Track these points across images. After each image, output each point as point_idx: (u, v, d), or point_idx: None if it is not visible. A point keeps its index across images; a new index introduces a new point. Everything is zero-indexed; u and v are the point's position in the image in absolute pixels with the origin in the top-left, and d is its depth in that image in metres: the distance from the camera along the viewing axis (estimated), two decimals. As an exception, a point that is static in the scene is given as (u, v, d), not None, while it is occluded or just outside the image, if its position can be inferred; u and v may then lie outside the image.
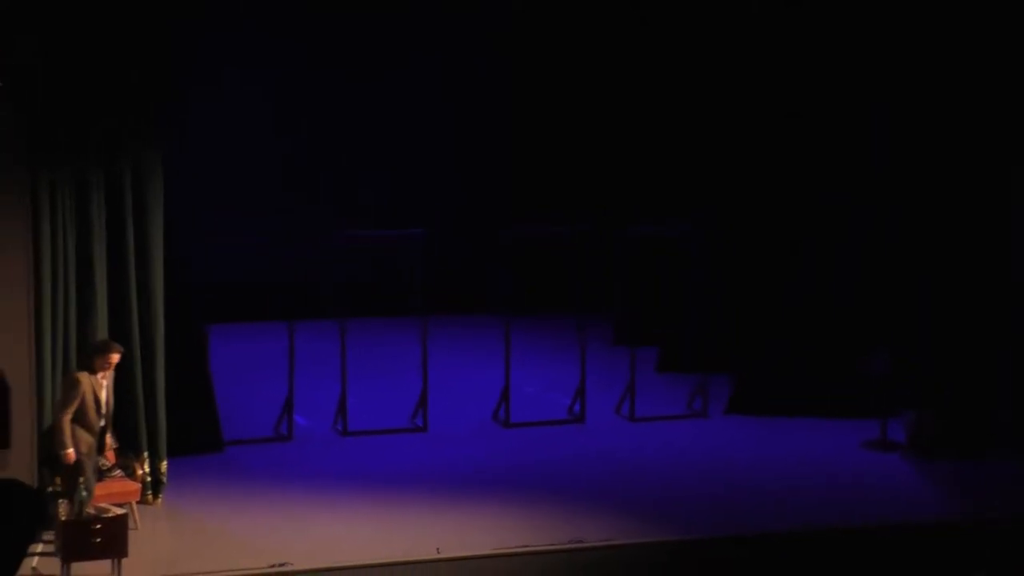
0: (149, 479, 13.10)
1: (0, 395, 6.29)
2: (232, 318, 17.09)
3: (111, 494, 12.28)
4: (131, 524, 12.02)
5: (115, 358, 12.33)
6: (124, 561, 11.65)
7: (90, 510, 11.69)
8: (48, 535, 12.13)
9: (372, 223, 17.17)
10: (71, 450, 12.04)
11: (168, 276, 13.32)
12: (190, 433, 14.13)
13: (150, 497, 13.11)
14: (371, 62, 19.09)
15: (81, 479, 11.79)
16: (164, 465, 13.27)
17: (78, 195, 12.78)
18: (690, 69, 17.31)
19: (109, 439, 12.55)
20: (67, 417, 12.10)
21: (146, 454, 13.06)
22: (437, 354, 16.13)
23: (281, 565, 11.83)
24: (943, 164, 15.87)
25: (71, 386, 12.19)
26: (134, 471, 12.81)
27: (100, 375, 12.29)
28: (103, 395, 12.30)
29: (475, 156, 19.89)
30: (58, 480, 12.33)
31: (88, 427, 12.20)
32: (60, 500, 12.08)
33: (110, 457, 12.62)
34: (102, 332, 12.93)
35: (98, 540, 11.52)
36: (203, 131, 17.63)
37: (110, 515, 11.72)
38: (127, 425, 12.99)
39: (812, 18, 15.99)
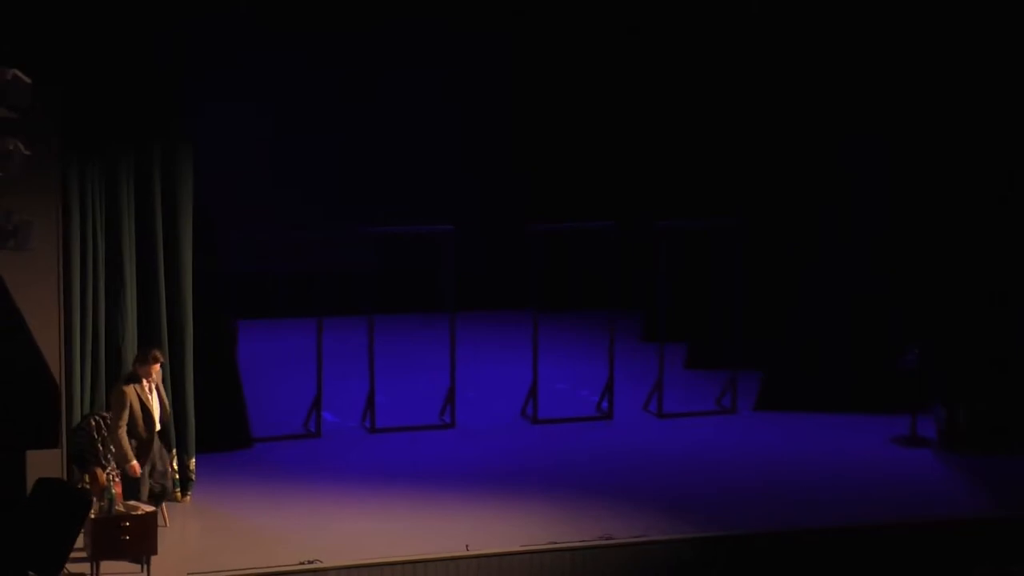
0: (178, 476, 13.10)
1: (50, 394, 6.30)
2: (260, 314, 17.09)
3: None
4: (160, 522, 12.06)
5: (156, 368, 12.32)
6: (153, 559, 11.68)
7: (120, 508, 11.71)
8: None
9: (402, 218, 17.12)
10: (135, 463, 12.12)
11: (197, 270, 13.33)
12: (219, 430, 14.12)
13: (179, 494, 13.12)
14: (404, 54, 19.02)
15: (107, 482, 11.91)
16: (193, 462, 13.29)
17: (107, 190, 12.80)
18: (727, 63, 17.17)
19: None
20: (122, 431, 12.13)
21: (175, 451, 13.08)
22: (465, 350, 16.08)
23: (311, 562, 11.83)
24: (972, 155, 15.74)
25: (118, 400, 12.22)
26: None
27: (146, 384, 12.29)
28: (153, 403, 12.30)
29: (505, 150, 19.81)
30: (86, 478, 12.37)
31: (137, 436, 12.21)
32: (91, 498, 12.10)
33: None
34: (131, 328, 12.94)
35: (127, 538, 11.55)
36: (234, 123, 17.64)
37: (139, 513, 11.73)
38: (156, 421, 13.02)
39: (846, 14, 15.90)
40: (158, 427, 12.35)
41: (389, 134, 19.36)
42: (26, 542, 5.14)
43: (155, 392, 12.37)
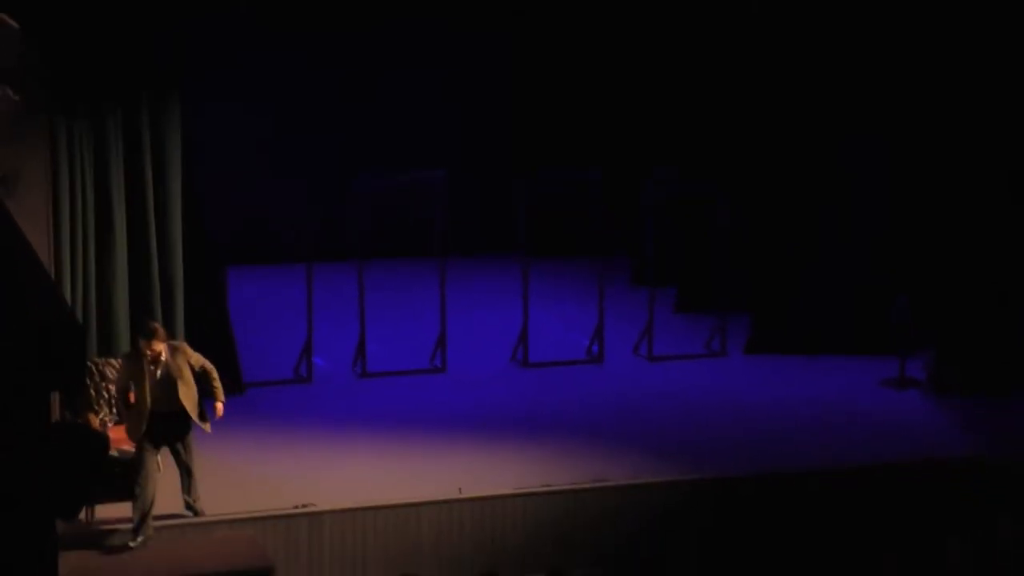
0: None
1: (76, 335, 6.27)
2: (251, 260, 17.07)
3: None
4: (154, 466, 12.07)
5: (154, 345, 11.43)
6: (148, 502, 11.73)
7: (113, 453, 11.72)
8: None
9: (394, 163, 17.08)
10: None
11: (187, 217, 13.31)
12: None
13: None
14: (397, 5, 18.92)
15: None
16: (185, 408, 13.29)
17: (96, 138, 12.80)
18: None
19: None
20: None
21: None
22: (456, 295, 16.10)
23: (304, 506, 11.90)
24: (961, 105, 15.76)
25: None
26: None
27: (150, 359, 11.50)
28: (156, 378, 11.48)
29: (499, 96, 19.75)
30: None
31: (140, 413, 11.54)
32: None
33: (132, 399, 12.60)
34: (121, 276, 12.93)
35: (121, 481, 11.53)
36: (222, 69, 17.56)
37: (132, 457, 11.73)
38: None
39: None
40: (148, 405, 11.49)
41: (383, 80, 19.28)
42: (49, 485, 5.22)
43: (160, 372, 11.55)
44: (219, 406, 11.83)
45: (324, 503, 11.96)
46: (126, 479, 11.51)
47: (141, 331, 11.67)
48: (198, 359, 11.77)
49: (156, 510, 11.60)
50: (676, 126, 18.01)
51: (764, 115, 16.63)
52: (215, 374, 11.83)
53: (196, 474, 11.83)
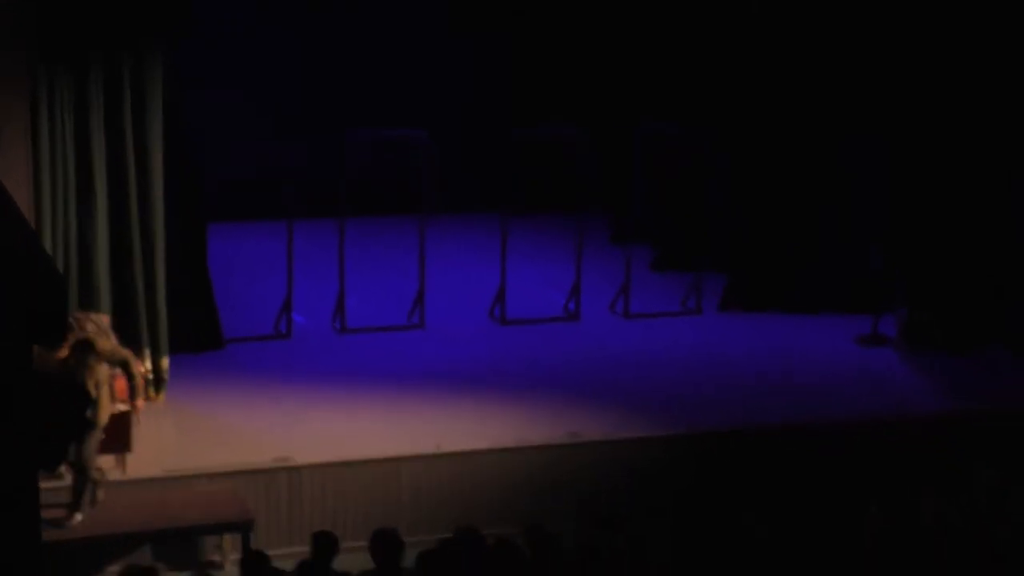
0: (151, 376, 13.20)
1: (58, 288, 6.30)
2: (231, 216, 17.12)
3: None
4: (134, 420, 12.13)
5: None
6: (129, 456, 11.84)
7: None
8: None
9: (376, 122, 17.13)
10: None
11: (168, 173, 13.36)
12: (190, 331, 14.21)
13: (152, 393, 13.22)
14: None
15: None
16: (165, 362, 13.35)
17: (77, 92, 12.76)
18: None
19: (112, 336, 12.63)
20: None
21: (147, 351, 13.19)
22: (436, 253, 16.20)
23: (284, 460, 12.02)
24: (939, 58, 15.84)
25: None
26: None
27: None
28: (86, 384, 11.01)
29: (480, 54, 19.78)
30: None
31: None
32: None
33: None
34: (102, 230, 12.96)
35: (102, 436, 11.59)
36: (203, 24, 17.55)
37: (114, 411, 11.74)
38: (128, 322, 13.05)
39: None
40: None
41: (366, 37, 19.30)
42: (30, 437, 5.28)
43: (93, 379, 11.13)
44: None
45: (303, 457, 12.06)
46: (107, 435, 11.62)
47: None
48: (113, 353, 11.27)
49: (135, 467, 11.70)
50: (660, 80, 18.04)
51: (748, 64, 16.66)
52: (132, 369, 11.26)
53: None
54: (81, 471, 11.22)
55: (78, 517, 11.27)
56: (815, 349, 15.36)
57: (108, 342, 11.38)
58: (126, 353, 11.40)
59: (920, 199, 16.03)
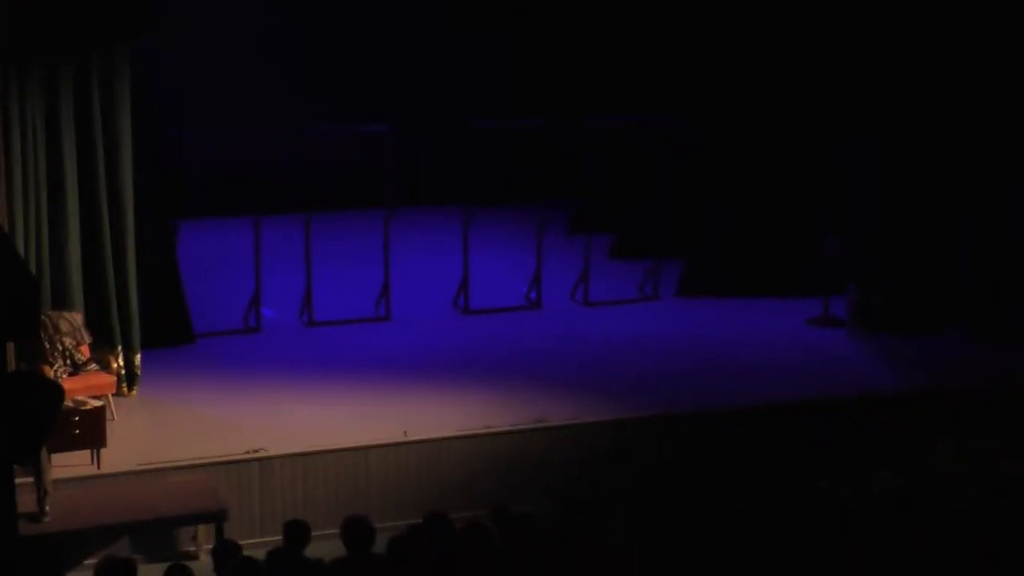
0: (124, 372, 13.41)
1: (31, 287, 6.51)
2: (199, 213, 17.31)
3: (88, 387, 12.56)
4: (108, 415, 12.35)
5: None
6: (103, 451, 12.02)
7: (68, 403, 12.00)
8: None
9: (339, 115, 17.34)
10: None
11: (137, 170, 13.48)
12: (161, 326, 14.41)
13: (125, 389, 13.43)
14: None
15: None
16: (138, 358, 13.55)
17: (46, 92, 12.86)
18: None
19: (84, 333, 12.88)
20: None
21: (120, 347, 13.41)
22: (400, 245, 16.43)
23: (256, 451, 12.18)
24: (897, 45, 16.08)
25: None
26: (108, 364, 13.17)
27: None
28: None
29: (442, 47, 19.99)
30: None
31: None
32: None
33: (85, 351, 12.96)
34: (73, 228, 13.11)
35: (77, 432, 11.86)
36: (177, 20, 17.70)
37: (88, 407, 12.02)
38: (100, 319, 13.26)
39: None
40: None
41: (329, 32, 19.48)
42: (5, 432, 5.47)
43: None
44: None
45: (275, 448, 12.23)
46: (81, 430, 11.85)
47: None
48: None
49: (109, 462, 11.93)
50: (615, 72, 18.32)
51: (712, 53, 16.93)
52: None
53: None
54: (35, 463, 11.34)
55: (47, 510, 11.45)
56: (768, 332, 15.66)
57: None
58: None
59: (875, 185, 16.32)
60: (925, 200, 16.10)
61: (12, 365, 12.26)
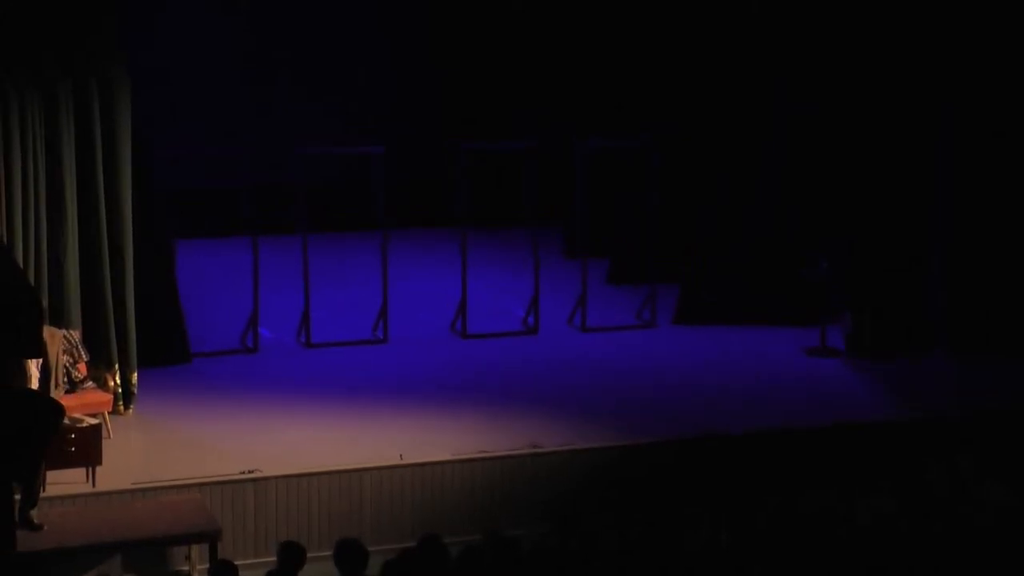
0: (120, 390, 13.43)
1: (32, 303, 6.55)
2: (197, 233, 17.36)
3: (84, 404, 12.59)
4: (104, 433, 12.35)
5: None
6: (98, 469, 12.01)
7: (65, 421, 12.00)
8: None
9: (335, 136, 17.40)
10: None
11: (136, 189, 13.50)
12: (158, 345, 14.44)
13: (121, 407, 13.44)
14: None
15: None
16: (134, 376, 13.56)
17: (46, 108, 12.91)
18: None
19: (82, 351, 12.91)
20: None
21: (117, 366, 13.42)
22: (397, 267, 16.45)
23: (251, 471, 12.19)
24: (875, 68, 16.08)
25: None
26: (105, 382, 13.20)
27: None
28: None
29: (432, 68, 20.07)
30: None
31: None
32: None
33: (82, 369, 12.98)
34: (72, 246, 13.14)
35: (72, 449, 11.87)
36: (171, 41, 17.81)
37: (84, 425, 12.03)
38: (97, 337, 13.29)
39: None
40: None
41: (324, 53, 19.60)
42: (5, 449, 5.47)
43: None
44: None
45: (269, 469, 12.23)
46: (77, 448, 11.86)
47: None
48: None
49: (104, 479, 11.95)
50: (607, 95, 18.36)
51: (697, 77, 17.00)
52: None
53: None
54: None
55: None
56: (766, 360, 15.66)
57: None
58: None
59: (865, 205, 16.36)
60: (896, 220, 16.12)
61: (28, 383, 12.34)
